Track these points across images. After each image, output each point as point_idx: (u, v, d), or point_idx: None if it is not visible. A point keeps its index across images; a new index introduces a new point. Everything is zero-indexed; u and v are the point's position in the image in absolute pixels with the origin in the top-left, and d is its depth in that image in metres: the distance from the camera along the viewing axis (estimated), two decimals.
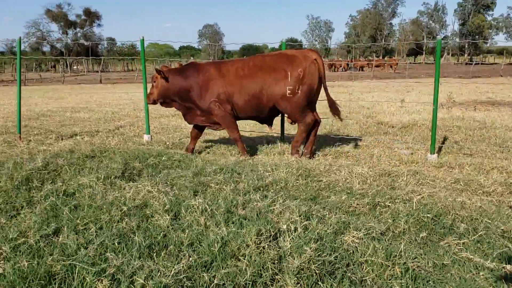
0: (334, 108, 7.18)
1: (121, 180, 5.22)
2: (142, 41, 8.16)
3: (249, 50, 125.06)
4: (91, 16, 72.98)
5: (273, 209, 4.07)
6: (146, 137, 8.47)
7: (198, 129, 7.48)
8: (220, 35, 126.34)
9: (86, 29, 72.83)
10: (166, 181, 5.17)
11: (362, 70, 56.85)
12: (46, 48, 72.25)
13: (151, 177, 5.39)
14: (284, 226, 3.49)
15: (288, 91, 6.65)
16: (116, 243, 3.44)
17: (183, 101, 7.13)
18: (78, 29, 73.14)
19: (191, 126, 7.55)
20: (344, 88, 25.02)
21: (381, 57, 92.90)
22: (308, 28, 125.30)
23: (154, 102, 7.32)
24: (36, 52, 65.10)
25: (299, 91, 6.67)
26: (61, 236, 3.63)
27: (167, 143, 8.15)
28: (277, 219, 3.75)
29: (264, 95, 6.77)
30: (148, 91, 7.41)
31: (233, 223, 3.83)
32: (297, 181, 5.17)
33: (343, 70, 55.50)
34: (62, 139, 8.67)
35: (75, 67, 67.70)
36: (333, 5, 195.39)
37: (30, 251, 3.32)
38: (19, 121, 8.72)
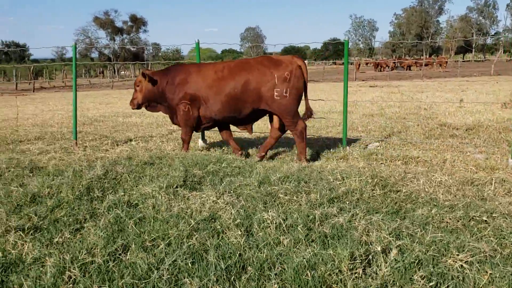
0: (309, 113, 7.14)
1: (184, 189, 4.95)
2: (198, 44, 7.94)
3: (290, 52, 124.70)
4: (137, 22, 74.65)
5: (356, 225, 3.66)
6: (200, 142, 8.23)
7: (226, 129, 7.51)
8: (261, 37, 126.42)
9: (132, 35, 74.66)
10: (230, 191, 4.86)
11: (410, 69, 55.20)
12: (95, 55, 74.55)
13: (213, 185, 5.10)
14: (379, 248, 3.07)
15: (276, 94, 6.66)
16: (189, 264, 3.13)
17: (164, 102, 7.30)
18: (125, 35, 75.09)
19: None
20: (394, 88, 24.12)
21: (427, 56, 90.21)
22: (351, 28, 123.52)
23: (139, 107, 7.42)
24: (85, 59, 67.25)
25: (287, 94, 6.67)
26: (129, 253, 3.37)
27: (223, 148, 7.88)
28: (366, 238, 3.33)
29: (249, 96, 6.76)
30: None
31: (312, 241, 3.46)
32: (374, 192, 4.73)
33: (390, 69, 54.07)
34: (117, 145, 8.56)
35: (122, 72, 69.40)
36: (377, 4, 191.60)
37: (99, 271, 3.07)
38: (75, 127, 8.70)
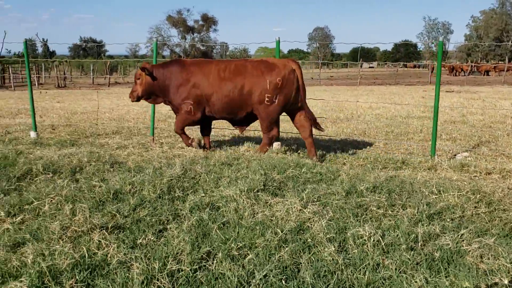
0: (311, 118, 7.09)
1: (265, 194, 4.71)
2: (278, 42, 7.70)
3: (359, 53, 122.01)
4: (208, 21, 76.08)
5: (466, 249, 3.23)
6: (275, 145, 7.97)
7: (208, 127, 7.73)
8: (330, 37, 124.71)
9: (203, 34, 76.16)
10: (315, 199, 4.55)
11: (488, 75, 52.06)
12: (166, 52, 76.84)
13: (296, 192, 4.81)
14: (505, 280, 2.64)
15: (266, 99, 6.75)
16: (282, 281, 2.86)
17: (164, 96, 7.39)
18: (195, 34, 76.74)
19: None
20: (473, 94, 22.68)
21: (507, 61, 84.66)
22: (424, 30, 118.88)
23: (138, 99, 7.49)
24: (156, 56, 69.06)
25: (276, 100, 6.77)
26: (215, 262, 3.15)
27: (299, 152, 7.58)
28: (485, 266, 2.91)
29: (242, 99, 6.89)
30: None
31: (417, 263, 3.07)
32: (477, 209, 4.24)
33: (466, 74, 51.30)
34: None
35: None
36: (452, 6, 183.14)
37: (187, 282, 2.87)
38: (152, 122, 8.77)
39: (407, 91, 25.65)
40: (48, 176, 5.45)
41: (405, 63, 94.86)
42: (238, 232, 3.68)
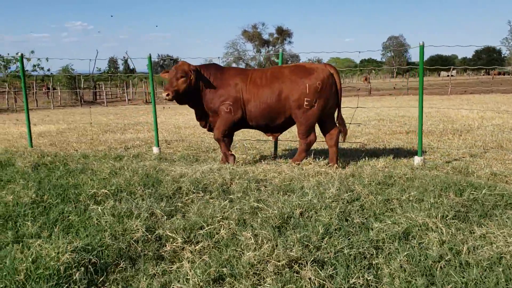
0: (342, 126, 7.23)
1: (462, 222, 4.01)
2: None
3: (437, 61, 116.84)
4: (283, 34, 76.37)
5: None
6: (417, 160, 7.19)
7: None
8: (405, 46, 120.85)
9: (277, 46, 76.40)
10: None
11: None
12: (241, 66, 77.93)
13: (501, 220, 4.06)
14: None
15: (306, 103, 6.74)
16: None
17: (198, 99, 7.20)
18: (270, 47, 77.20)
19: None
20: None
21: None
22: (510, 35, 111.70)
23: (176, 98, 7.09)
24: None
25: (316, 104, 6.77)
26: None
27: (448, 169, 6.75)
28: None
29: (281, 105, 6.88)
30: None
31: None
32: None
33: None
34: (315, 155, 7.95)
35: None
36: None
37: None
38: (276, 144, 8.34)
39: (510, 99, 23.66)
40: (200, 195, 5.10)
41: (488, 70, 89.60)
42: (469, 276, 3.01)
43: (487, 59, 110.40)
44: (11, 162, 6.87)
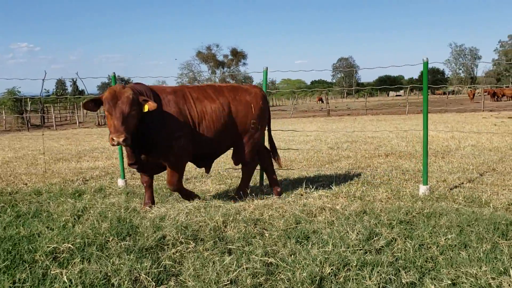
0: (274, 151, 6.83)
1: None
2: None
3: (385, 82, 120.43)
4: (237, 55, 76.01)
5: None
6: (422, 189, 6.47)
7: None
8: (355, 67, 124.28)
9: (232, 68, 75.95)
10: None
11: None
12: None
13: None
14: None
15: (252, 125, 6.13)
16: None
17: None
18: (225, 68, 76.61)
19: None
20: None
21: None
22: (451, 57, 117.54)
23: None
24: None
25: (260, 126, 6.28)
26: None
27: (459, 199, 6.07)
28: None
29: (229, 127, 5.96)
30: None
31: None
32: None
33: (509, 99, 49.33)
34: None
35: None
36: (478, 31, 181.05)
37: None
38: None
39: (469, 119, 23.97)
40: (190, 245, 4.09)
41: (433, 89, 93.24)
42: None
43: (432, 80, 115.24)
44: None
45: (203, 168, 6.50)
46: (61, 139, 19.66)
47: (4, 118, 31.84)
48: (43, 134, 15.48)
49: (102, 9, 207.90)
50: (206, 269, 3.49)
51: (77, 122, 32.06)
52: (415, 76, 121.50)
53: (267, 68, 7.20)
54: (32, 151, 13.89)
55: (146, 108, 5.03)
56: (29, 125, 30.80)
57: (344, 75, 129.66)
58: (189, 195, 5.91)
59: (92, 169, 9.66)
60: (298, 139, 16.14)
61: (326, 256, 3.52)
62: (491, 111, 32.51)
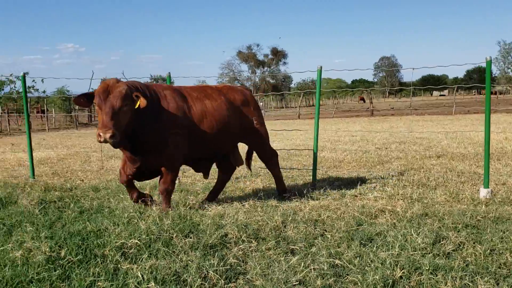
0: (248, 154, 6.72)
1: None
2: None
3: (429, 81, 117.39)
4: (277, 55, 76.12)
5: None
6: (483, 192, 6.25)
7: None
8: (398, 66, 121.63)
9: (273, 67, 76.11)
10: None
11: None
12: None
13: None
14: None
15: (256, 124, 6.19)
16: None
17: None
18: (266, 68, 76.89)
19: None
20: None
21: None
22: (499, 55, 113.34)
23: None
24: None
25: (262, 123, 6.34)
26: None
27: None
28: None
29: (231, 128, 5.86)
30: None
31: None
32: None
33: None
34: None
35: (260, 103, 70.66)
36: None
37: None
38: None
39: None
40: (252, 244, 4.10)
41: (479, 89, 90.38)
42: None
43: (478, 79, 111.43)
44: (13, 199, 5.84)
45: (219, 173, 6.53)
46: None
47: (54, 116, 33.07)
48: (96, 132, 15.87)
49: (144, 10, 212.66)
50: (272, 269, 3.50)
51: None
52: (460, 75, 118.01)
53: (321, 67, 7.15)
54: (83, 148, 14.36)
55: (137, 104, 4.73)
56: (77, 123, 31.85)
57: (386, 74, 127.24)
58: (169, 203, 5.44)
59: None
60: (343, 139, 15.95)
61: (395, 259, 3.45)
62: None
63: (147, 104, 4.82)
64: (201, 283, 3.26)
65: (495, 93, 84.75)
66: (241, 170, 9.08)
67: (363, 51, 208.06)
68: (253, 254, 3.88)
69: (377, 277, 3.13)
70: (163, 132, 5.14)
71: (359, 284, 3.12)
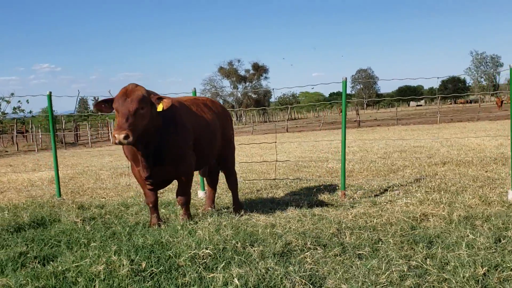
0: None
1: None
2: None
3: (406, 92, 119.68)
4: (259, 70, 76.85)
5: None
6: (511, 195, 6.51)
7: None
8: (374, 78, 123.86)
9: (254, 82, 76.72)
10: None
11: None
12: (220, 102, 77.77)
13: None
14: None
15: (231, 136, 6.68)
16: None
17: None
18: (247, 83, 77.45)
19: None
20: None
21: None
22: (472, 65, 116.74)
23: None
24: None
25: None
26: None
27: None
28: None
29: (218, 139, 6.16)
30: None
31: None
32: None
33: None
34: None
35: (243, 118, 70.94)
36: (500, 38, 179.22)
37: None
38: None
39: (507, 126, 23.64)
40: (319, 251, 4.22)
41: (455, 99, 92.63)
42: None
43: (452, 89, 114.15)
44: (55, 217, 5.83)
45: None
46: (104, 155, 20.07)
47: (40, 137, 32.60)
48: (98, 148, 15.77)
49: (121, 28, 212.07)
50: (352, 273, 3.62)
51: (111, 139, 32.65)
52: (436, 85, 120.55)
53: (346, 78, 7.35)
54: (87, 167, 14.26)
55: (160, 107, 4.82)
56: (64, 143, 31.47)
57: (363, 86, 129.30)
58: (190, 212, 5.67)
59: None
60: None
61: (473, 258, 3.62)
62: None
63: (169, 114, 5.06)
64: None
65: (469, 102, 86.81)
66: (259, 182, 9.21)
67: (339, 64, 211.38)
68: (322, 260, 3.99)
69: (467, 274, 3.29)
70: (183, 144, 5.28)
71: (453, 281, 3.27)
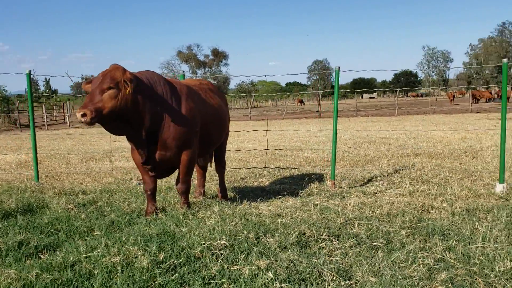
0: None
1: None
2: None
3: (360, 84, 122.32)
4: (218, 56, 76.07)
5: None
6: (499, 188, 6.67)
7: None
8: (330, 70, 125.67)
9: (214, 68, 75.92)
10: None
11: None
12: None
13: None
14: None
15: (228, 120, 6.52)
16: None
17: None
18: (207, 69, 76.56)
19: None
20: None
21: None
22: (424, 59, 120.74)
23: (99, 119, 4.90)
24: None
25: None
26: None
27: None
28: None
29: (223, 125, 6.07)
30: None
31: None
32: None
33: (487, 100, 50.90)
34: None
35: None
36: (451, 34, 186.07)
37: None
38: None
39: (464, 119, 24.66)
40: (334, 242, 4.17)
41: (406, 92, 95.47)
42: None
43: (404, 82, 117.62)
44: (44, 204, 5.47)
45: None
46: (64, 139, 19.27)
47: None
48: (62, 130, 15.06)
49: (72, 8, 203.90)
50: (377, 264, 3.58)
51: (68, 123, 31.40)
52: (388, 78, 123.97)
53: (339, 67, 7.30)
54: (53, 150, 13.60)
55: (127, 90, 4.54)
56: (19, 124, 29.98)
57: (319, 77, 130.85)
58: (188, 199, 5.52)
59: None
60: (312, 140, 16.32)
61: (499, 252, 3.67)
62: (477, 112, 33.41)
63: (175, 99, 4.97)
64: (319, 281, 3.29)
65: (421, 96, 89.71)
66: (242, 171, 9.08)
67: (295, 54, 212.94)
68: (341, 252, 3.95)
69: (502, 269, 3.33)
70: (189, 131, 5.11)
71: (490, 276, 3.28)
